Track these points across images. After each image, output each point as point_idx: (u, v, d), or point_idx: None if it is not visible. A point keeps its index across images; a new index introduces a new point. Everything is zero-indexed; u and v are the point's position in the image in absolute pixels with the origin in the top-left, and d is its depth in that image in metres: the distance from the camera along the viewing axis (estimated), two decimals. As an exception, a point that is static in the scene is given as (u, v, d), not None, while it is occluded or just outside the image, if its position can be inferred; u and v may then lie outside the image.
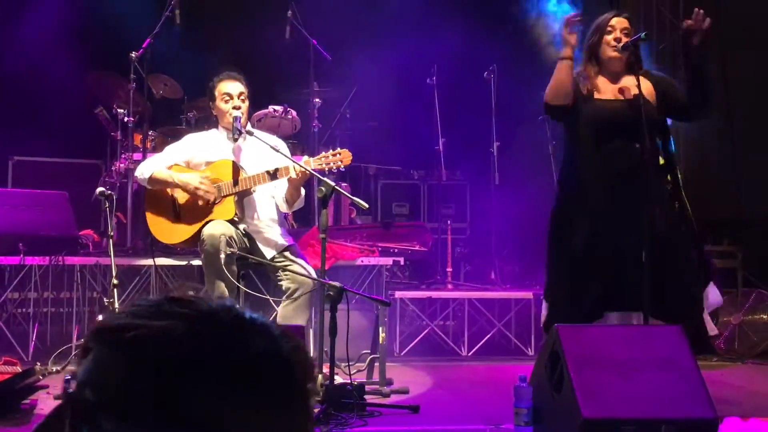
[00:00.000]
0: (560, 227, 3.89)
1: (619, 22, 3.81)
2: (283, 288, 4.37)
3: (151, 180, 4.55)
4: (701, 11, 3.62)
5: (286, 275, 4.36)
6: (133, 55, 5.49)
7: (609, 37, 3.79)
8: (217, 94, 4.56)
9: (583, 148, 3.82)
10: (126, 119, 5.65)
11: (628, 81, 3.81)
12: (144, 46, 5.58)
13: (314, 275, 4.24)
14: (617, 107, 3.80)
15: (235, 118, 4.43)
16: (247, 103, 4.56)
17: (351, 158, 4.39)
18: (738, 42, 6.89)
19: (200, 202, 4.48)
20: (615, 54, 3.78)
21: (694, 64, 3.75)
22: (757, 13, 6.49)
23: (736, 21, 6.92)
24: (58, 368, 4.49)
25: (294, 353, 0.86)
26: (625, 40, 3.80)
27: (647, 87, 3.83)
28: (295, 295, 4.32)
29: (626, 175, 3.70)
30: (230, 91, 4.52)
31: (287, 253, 4.53)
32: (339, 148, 4.46)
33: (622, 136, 3.73)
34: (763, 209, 6.43)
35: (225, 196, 4.51)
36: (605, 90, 3.85)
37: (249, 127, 4.55)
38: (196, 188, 4.46)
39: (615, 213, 3.74)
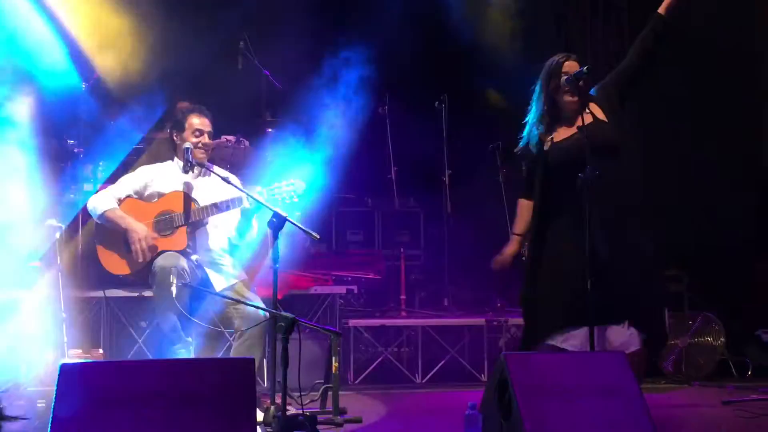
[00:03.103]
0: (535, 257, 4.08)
1: (570, 66, 3.97)
2: (235, 326, 4.37)
3: (102, 218, 4.54)
4: None
5: (237, 312, 4.36)
6: (84, 86, 5.46)
7: (563, 81, 3.95)
8: (187, 126, 4.58)
9: (551, 190, 3.98)
10: (76, 150, 5.62)
11: (586, 114, 3.91)
12: (95, 76, 5.56)
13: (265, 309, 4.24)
14: (569, 145, 3.93)
15: (186, 150, 4.44)
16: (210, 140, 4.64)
17: (304, 187, 4.43)
18: (683, 75, 7.07)
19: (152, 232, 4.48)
20: (571, 98, 3.94)
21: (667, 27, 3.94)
22: (699, 47, 6.66)
23: (680, 55, 7.12)
24: (5, 404, 4.40)
25: None
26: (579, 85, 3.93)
27: (597, 110, 3.98)
28: (247, 333, 4.31)
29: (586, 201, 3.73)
30: (202, 128, 4.58)
31: (241, 286, 4.53)
32: (292, 179, 4.49)
33: (578, 168, 3.73)
34: (709, 234, 6.60)
35: (177, 227, 4.51)
36: (561, 134, 4.00)
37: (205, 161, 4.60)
38: (134, 242, 4.41)
39: (578, 236, 3.77)
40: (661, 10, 3.96)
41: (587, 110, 3.92)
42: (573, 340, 3.90)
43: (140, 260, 4.41)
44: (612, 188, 3.82)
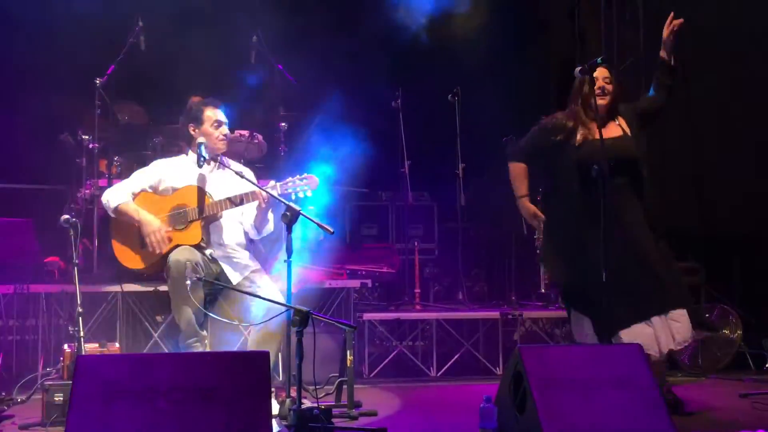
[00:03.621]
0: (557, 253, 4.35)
1: (600, 72, 4.30)
2: (252, 314, 4.37)
3: (116, 211, 4.56)
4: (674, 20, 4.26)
5: (253, 301, 4.36)
6: (98, 82, 5.49)
7: (594, 87, 4.23)
8: (205, 118, 4.58)
9: (572, 183, 4.24)
10: (91, 145, 5.65)
11: (611, 125, 4.29)
12: (108, 72, 5.59)
13: (281, 299, 4.25)
14: (596, 148, 4.14)
15: (199, 145, 4.46)
16: None
17: (318, 183, 4.42)
18: (698, 64, 7.06)
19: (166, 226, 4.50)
20: (601, 102, 4.26)
21: (675, 63, 4.31)
22: (719, 34, 6.64)
23: (700, 43, 7.09)
24: (23, 398, 4.44)
25: None
26: (608, 87, 4.30)
27: (625, 125, 4.33)
28: (265, 322, 4.31)
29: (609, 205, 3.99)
30: (221, 119, 4.59)
31: (256, 275, 4.54)
32: (306, 173, 4.48)
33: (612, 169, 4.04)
34: (725, 226, 6.56)
35: (191, 222, 4.52)
36: (594, 133, 4.24)
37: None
38: (148, 235, 4.44)
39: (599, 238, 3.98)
40: (662, 54, 4.31)
41: (617, 121, 4.30)
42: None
43: (156, 252, 4.43)
44: (633, 195, 4.22)
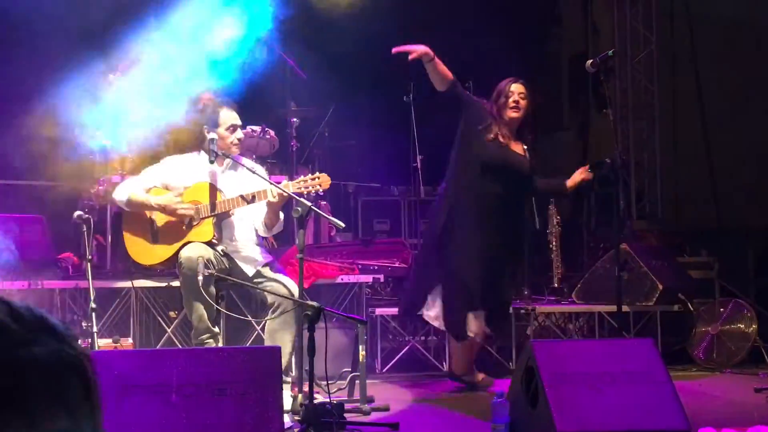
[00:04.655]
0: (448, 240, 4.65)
1: (516, 88, 4.62)
2: (268, 302, 4.38)
3: (128, 203, 4.57)
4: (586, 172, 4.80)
5: (267, 290, 4.38)
6: (112, 76, 5.50)
7: (510, 101, 4.59)
8: (221, 122, 4.56)
9: (476, 175, 4.59)
10: (104, 141, 5.66)
11: (518, 143, 4.67)
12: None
13: (294, 291, 4.25)
14: (510, 155, 4.59)
15: (211, 141, 4.45)
16: None
17: (330, 182, 4.41)
18: (711, 57, 7.02)
19: (178, 222, 4.50)
20: (514, 114, 4.61)
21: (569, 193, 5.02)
22: (726, 29, 6.61)
23: (708, 38, 7.06)
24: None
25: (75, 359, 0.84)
26: (522, 103, 4.59)
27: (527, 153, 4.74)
28: (279, 310, 4.33)
29: (500, 209, 4.57)
30: (236, 123, 4.59)
31: (267, 269, 4.55)
32: (318, 172, 4.47)
33: (506, 177, 4.56)
34: (739, 220, 6.53)
35: (203, 218, 4.53)
36: (504, 140, 4.61)
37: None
38: (174, 209, 4.47)
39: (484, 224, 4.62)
40: (568, 182, 4.81)
41: (525, 147, 4.65)
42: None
43: (191, 216, 4.48)
44: (513, 207, 4.70)
